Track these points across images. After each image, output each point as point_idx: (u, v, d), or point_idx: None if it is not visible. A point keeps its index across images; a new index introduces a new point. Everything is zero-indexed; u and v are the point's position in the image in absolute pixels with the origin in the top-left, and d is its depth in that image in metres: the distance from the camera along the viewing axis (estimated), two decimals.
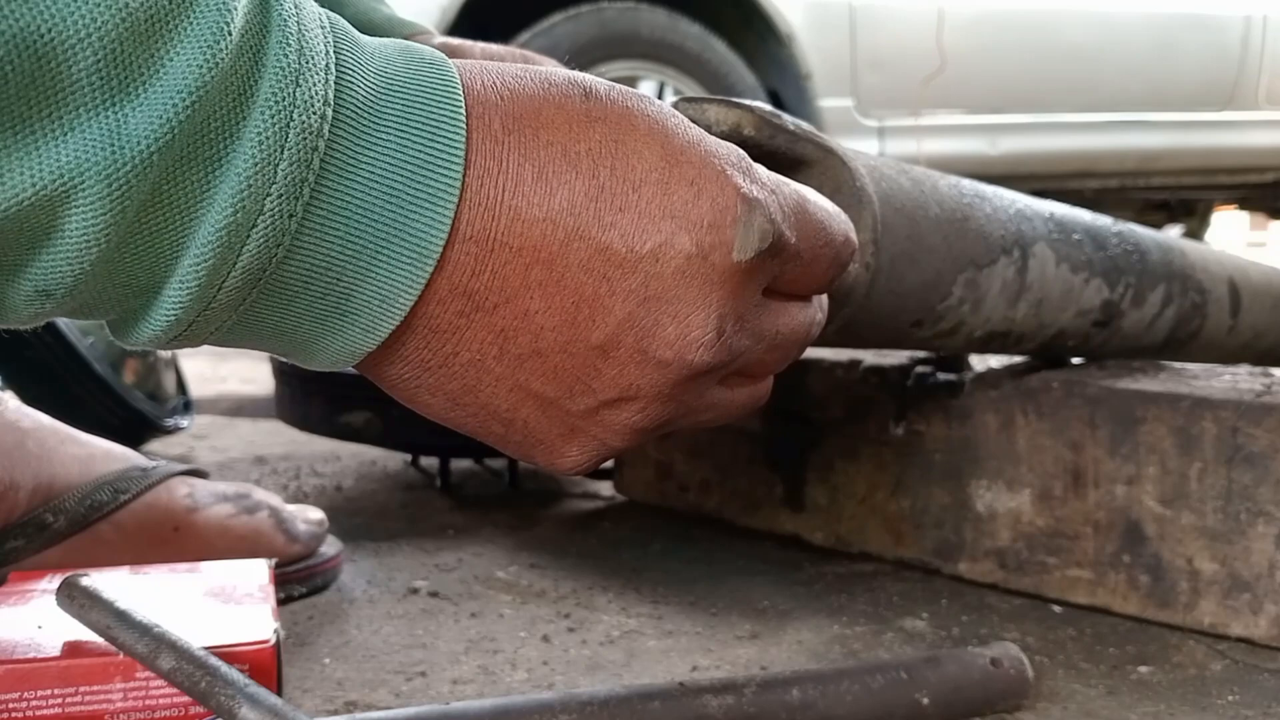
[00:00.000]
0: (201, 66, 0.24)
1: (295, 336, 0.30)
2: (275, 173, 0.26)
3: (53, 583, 0.48)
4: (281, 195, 0.26)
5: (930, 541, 0.71)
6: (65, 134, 0.24)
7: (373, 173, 0.28)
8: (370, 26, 0.60)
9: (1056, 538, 0.66)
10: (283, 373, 0.95)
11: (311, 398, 0.91)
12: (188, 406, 1.19)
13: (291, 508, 0.68)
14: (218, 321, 0.28)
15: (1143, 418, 0.62)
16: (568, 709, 0.45)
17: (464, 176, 0.29)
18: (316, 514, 0.69)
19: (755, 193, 0.32)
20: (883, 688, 0.48)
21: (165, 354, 1.16)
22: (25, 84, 0.23)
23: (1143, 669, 0.57)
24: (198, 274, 0.27)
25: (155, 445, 1.13)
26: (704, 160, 0.31)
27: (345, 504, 0.92)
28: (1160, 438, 0.61)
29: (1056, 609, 0.65)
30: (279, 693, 0.43)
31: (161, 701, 0.41)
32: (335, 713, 0.51)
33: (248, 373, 1.80)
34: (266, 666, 0.42)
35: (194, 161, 0.25)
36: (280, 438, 1.21)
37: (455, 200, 0.28)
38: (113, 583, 0.47)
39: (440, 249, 0.28)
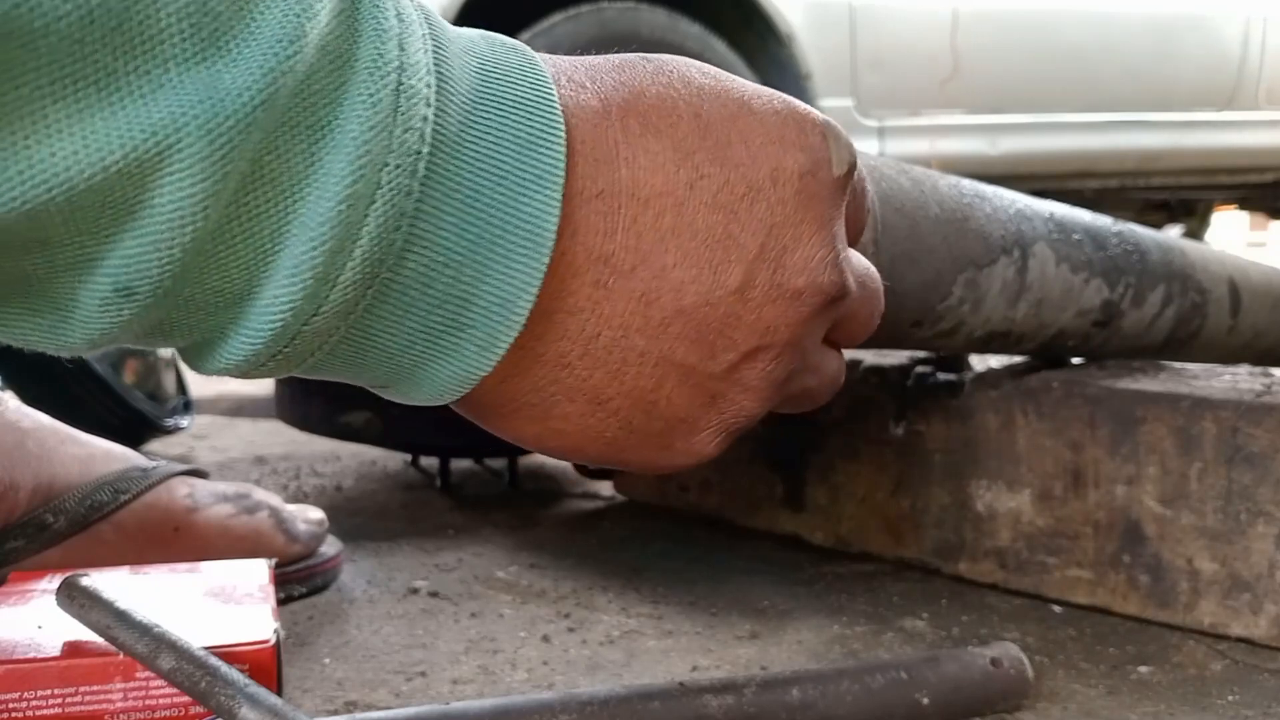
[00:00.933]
0: (295, 20, 0.22)
1: (404, 359, 0.27)
2: (390, 139, 0.23)
3: (53, 583, 0.48)
4: (398, 167, 0.24)
5: (930, 541, 0.71)
6: (157, 88, 0.20)
7: (478, 148, 0.25)
8: None
9: (1056, 538, 0.66)
10: None
11: (311, 398, 0.91)
12: (188, 406, 1.19)
13: (291, 508, 0.68)
14: (321, 338, 0.25)
15: (1143, 418, 0.62)
16: (568, 709, 0.45)
17: (569, 138, 0.27)
18: (316, 514, 0.69)
19: (820, 115, 0.31)
20: (883, 688, 0.48)
21: (165, 353, 1.16)
22: (110, 31, 0.20)
23: (1143, 669, 0.57)
24: (312, 262, 0.23)
25: (155, 445, 1.13)
26: (771, 91, 0.31)
27: (345, 504, 0.92)
28: (1160, 438, 0.61)
29: (1056, 609, 0.65)
30: (279, 693, 0.43)
31: (161, 701, 0.41)
32: (335, 713, 0.51)
33: None
34: (266, 666, 0.42)
35: (297, 128, 0.22)
36: (280, 438, 1.21)
37: (564, 163, 0.26)
38: (113, 583, 0.47)
39: (557, 219, 0.26)
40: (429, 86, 0.24)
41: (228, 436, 1.26)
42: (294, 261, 0.23)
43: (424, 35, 0.25)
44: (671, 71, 0.30)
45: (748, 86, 0.31)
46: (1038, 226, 0.61)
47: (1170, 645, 0.60)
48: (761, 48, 2.32)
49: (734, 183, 0.29)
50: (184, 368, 1.24)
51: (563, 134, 0.27)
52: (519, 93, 0.26)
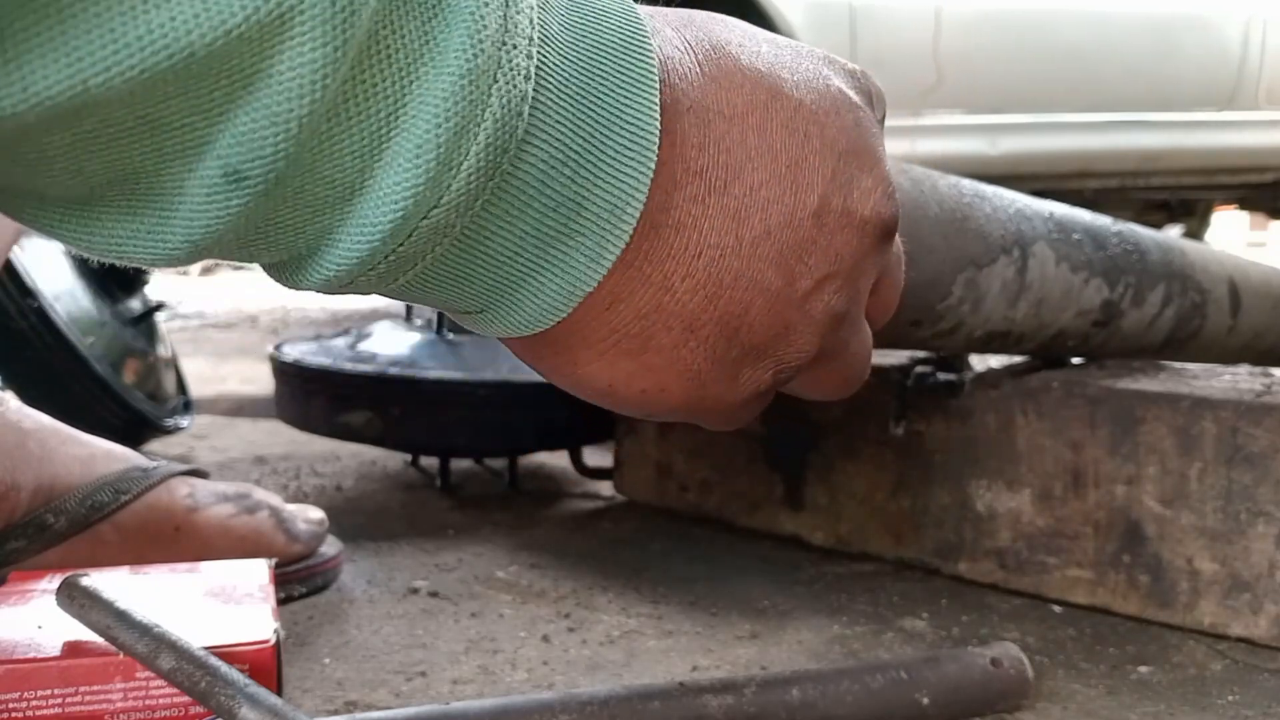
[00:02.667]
0: None
1: (512, 269, 0.26)
2: (506, 18, 0.23)
3: (53, 583, 0.48)
4: (515, 48, 0.23)
5: (930, 541, 0.71)
6: None
7: (580, 47, 0.25)
8: None
9: (1056, 538, 0.66)
10: (283, 372, 0.95)
11: (311, 398, 0.91)
12: (188, 406, 1.19)
13: (292, 507, 0.68)
14: (437, 237, 0.24)
15: (1143, 418, 0.62)
16: (568, 709, 0.45)
17: (659, 54, 0.27)
18: (317, 514, 0.69)
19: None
20: (883, 688, 0.48)
21: (165, 354, 1.16)
22: None
23: (1143, 669, 0.57)
24: (436, 141, 0.22)
25: (155, 445, 1.13)
26: (804, 45, 0.32)
27: (345, 504, 0.92)
28: (1160, 438, 0.61)
29: (1056, 609, 0.65)
30: (279, 693, 0.43)
31: (161, 701, 0.41)
32: (335, 713, 0.51)
33: (248, 373, 1.80)
34: (266, 666, 0.42)
35: (413, 3, 0.21)
36: (280, 438, 1.21)
37: (658, 71, 0.26)
38: (113, 583, 0.47)
39: (659, 123, 0.26)
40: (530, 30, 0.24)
41: (228, 436, 1.26)
42: (416, 141, 0.22)
43: None
44: (722, 20, 0.31)
45: (794, 40, 0.32)
46: (1037, 226, 0.61)
47: (1170, 645, 0.60)
48: None
49: (804, 108, 0.29)
50: (183, 368, 1.24)
51: (653, 44, 0.27)
52: (606, 3, 0.27)
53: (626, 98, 0.26)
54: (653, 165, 0.26)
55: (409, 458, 1.05)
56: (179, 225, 0.22)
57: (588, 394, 0.31)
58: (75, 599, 0.40)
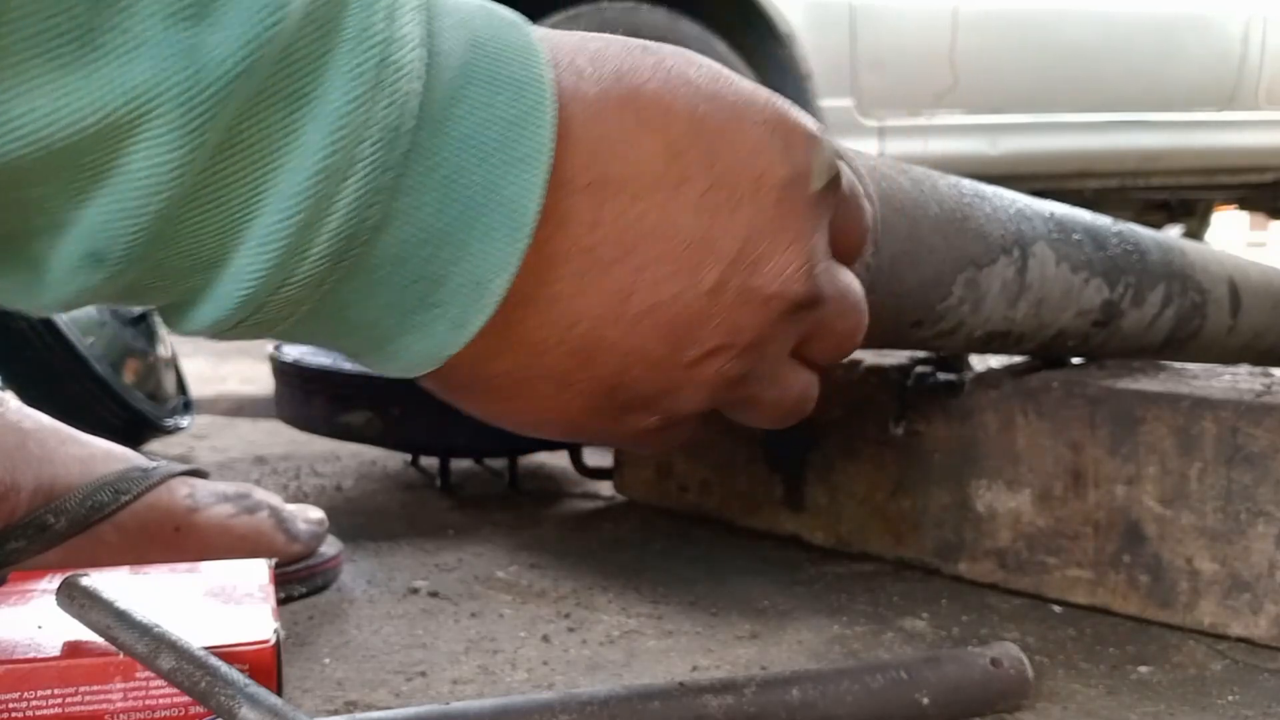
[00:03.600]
0: None
1: (375, 333, 0.27)
2: (371, 113, 0.23)
3: (53, 583, 0.48)
4: (378, 142, 0.23)
5: (930, 541, 0.71)
6: (136, 49, 0.20)
7: (464, 126, 0.25)
8: None
9: (1056, 538, 0.66)
10: (283, 372, 0.95)
11: (312, 398, 0.91)
12: (188, 406, 1.19)
13: (292, 507, 0.68)
14: (291, 307, 0.25)
15: (1143, 418, 0.62)
16: (568, 709, 0.45)
17: (563, 125, 0.27)
18: (317, 514, 0.69)
19: (811, 126, 0.32)
20: (883, 688, 0.48)
21: (165, 354, 1.16)
22: None
23: (1143, 669, 0.57)
24: (282, 233, 0.23)
25: (155, 445, 1.13)
26: (765, 96, 0.31)
27: (345, 504, 0.92)
28: (1160, 438, 0.61)
29: (1056, 609, 0.65)
30: (279, 693, 0.43)
31: (161, 701, 0.41)
32: (335, 712, 0.51)
33: (248, 373, 1.80)
34: (266, 666, 0.42)
35: (276, 98, 0.22)
36: (280, 438, 1.21)
37: (551, 147, 0.26)
38: (113, 582, 0.47)
39: (539, 203, 0.26)
40: (417, 60, 0.24)
41: (228, 436, 1.26)
42: (265, 232, 0.23)
43: (417, 6, 0.24)
44: (672, 67, 0.30)
45: (743, 88, 0.31)
46: (1037, 226, 0.61)
47: (1170, 645, 0.60)
48: (761, 48, 2.32)
49: (719, 187, 0.29)
50: (183, 368, 1.24)
51: (552, 117, 0.26)
52: (510, 71, 0.26)
53: (508, 176, 0.26)
54: (525, 244, 0.26)
55: (409, 458, 1.05)
56: (49, 289, 0.23)
57: (479, 417, 0.32)
58: (75, 599, 0.40)
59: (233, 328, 0.25)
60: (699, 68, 0.31)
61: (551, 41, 0.29)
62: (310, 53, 0.22)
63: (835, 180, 0.32)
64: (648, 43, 0.31)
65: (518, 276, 0.27)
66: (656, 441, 0.34)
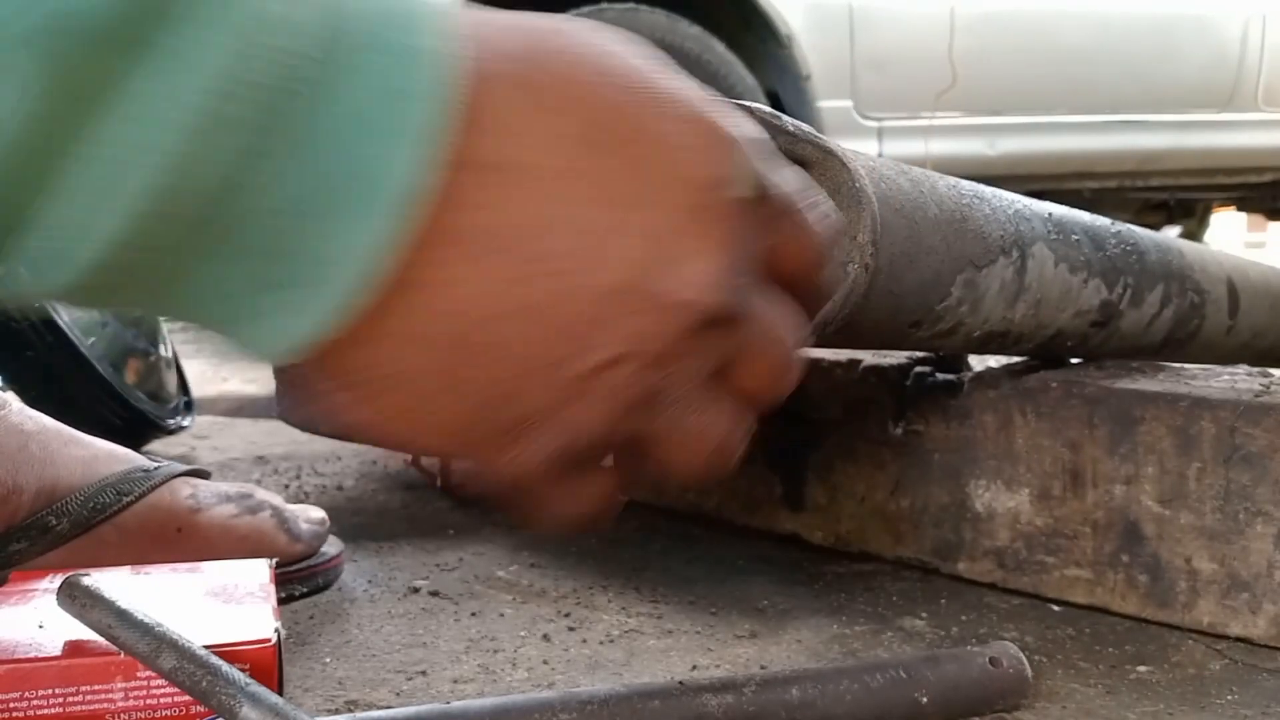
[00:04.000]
0: None
1: (223, 310, 0.25)
2: (240, 67, 0.22)
3: (54, 582, 0.48)
4: (241, 99, 0.22)
5: (929, 541, 0.71)
6: None
7: (346, 93, 0.23)
8: None
9: (1055, 537, 0.66)
10: (284, 371, 0.95)
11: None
12: (189, 406, 1.19)
13: (293, 507, 0.68)
14: (121, 274, 0.23)
15: (1141, 418, 0.62)
16: (568, 708, 0.45)
17: (463, 102, 0.25)
18: (318, 513, 0.69)
19: (736, 132, 0.29)
20: (882, 687, 0.48)
21: (167, 354, 1.16)
22: None
23: (1141, 668, 0.57)
24: (108, 187, 0.21)
25: (157, 445, 1.13)
26: (692, 96, 0.29)
27: (346, 504, 0.92)
28: (1159, 438, 0.62)
29: (1055, 608, 0.65)
30: (280, 692, 0.43)
31: (163, 701, 0.41)
32: (336, 712, 0.51)
33: (249, 373, 1.80)
34: (267, 666, 0.42)
35: (126, 44, 0.21)
36: (281, 437, 1.21)
37: (441, 124, 0.24)
38: (114, 582, 0.47)
39: (421, 181, 0.24)
40: (297, 17, 0.22)
41: (229, 436, 1.26)
42: (90, 185, 0.21)
43: None
44: (598, 54, 0.28)
45: (669, 84, 0.29)
46: (1036, 227, 0.61)
47: (1169, 645, 0.60)
48: (761, 49, 2.33)
49: (629, 182, 0.27)
50: (185, 368, 1.24)
51: (445, 92, 0.25)
52: (404, 40, 0.24)
53: (386, 152, 0.24)
54: (401, 224, 0.24)
55: (409, 458, 1.05)
56: None
57: (347, 433, 0.29)
58: (76, 598, 0.40)
59: (55, 293, 0.23)
60: (626, 57, 0.29)
61: (463, 16, 0.27)
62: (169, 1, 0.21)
63: (764, 193, 0.30)
64: (578, 25, 0.29)
65: (396, 258, 0.25)
66: (557, 494, 0.30)
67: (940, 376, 0.71)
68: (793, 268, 0.32)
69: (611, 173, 0.27)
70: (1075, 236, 0.63)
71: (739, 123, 0.30)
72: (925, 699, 0.48)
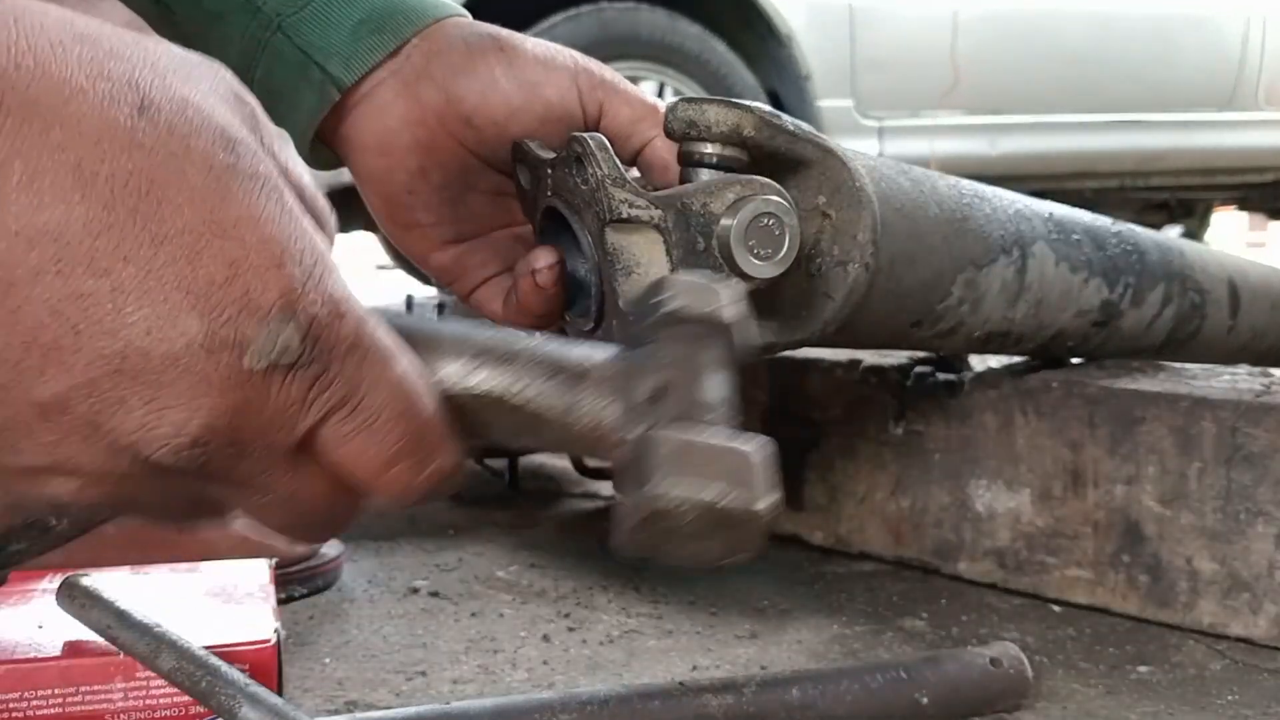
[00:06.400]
0: None
1: None
2: None
3: (54, 582, 0.48)
4: None
5: (930, 541, 0.71)
6: None
7: None
8: (402, 8, 0.54)
9: (1056, 537, 0.66)
10: None
11: None
12: None
13: None
14: None
15: (1142, 418, 0.62)
16: (568, 708, 0.45)
17: None
18: None
19: (311, 298, 0.26)
20: (882, 687, 0.48)
21: None
22: None
23: (1142, 668, 0.57)
24: None
25: None
26: (265, 241, 0.25)
27: None
28: (1159, 438, 0.62)
29: (1056, 609, 0.65)
30: (279, 692, 0.43)
31: (162, 701, 0.41)
32: (335, 712, 0.51)
33: None
34: (267, 666, 0.42)
35: None
36: None
37: None
38: (113, 582, 0.47)
39: None
40: None
41: None
42: None
43: None
44: (152, 148, 0.25)
45: (254, 222, 0.25)
46: (1037, 226, 0.61)
47: (1169, 645, 0.60)
48: (761, 48, 2.33)
49: (99, 303, 0.24)
50: None
51: None
52: None
53: None
54: None
55: None
56: None
57: None
58: (76, 598, 0.40)
59: None
60: (206, 163, 0.25)
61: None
62: None
63: (296, 364, 0.26)
64: (154, 101, 0.25)
65: None
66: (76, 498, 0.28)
67: (941, 376, 0.71)
68: (339, 458, 0.28)
69: (89, 294, 0.24)
70: (1076, 236, 0.63)
71: (328, 290, 0.26)
72: (926, 699, 0.48)
